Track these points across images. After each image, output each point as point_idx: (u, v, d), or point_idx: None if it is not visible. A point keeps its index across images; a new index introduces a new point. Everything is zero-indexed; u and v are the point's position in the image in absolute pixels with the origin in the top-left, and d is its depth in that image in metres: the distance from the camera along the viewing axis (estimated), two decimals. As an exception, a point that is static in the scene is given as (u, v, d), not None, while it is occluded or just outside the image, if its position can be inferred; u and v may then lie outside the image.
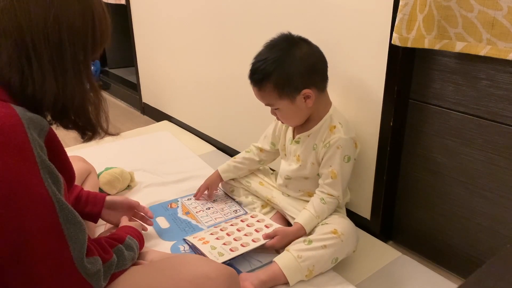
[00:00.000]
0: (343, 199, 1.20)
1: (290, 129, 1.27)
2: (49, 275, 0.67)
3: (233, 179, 1.45)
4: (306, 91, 1.11)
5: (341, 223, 1.13)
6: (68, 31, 0.70)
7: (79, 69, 0.74)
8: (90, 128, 0.80)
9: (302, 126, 1.23)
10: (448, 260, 1.21)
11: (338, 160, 1.14)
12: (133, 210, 1.20)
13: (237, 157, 1.43)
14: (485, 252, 1.12)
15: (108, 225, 1.24)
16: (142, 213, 1.22)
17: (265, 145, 1.39)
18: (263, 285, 1.04)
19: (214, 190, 1.45)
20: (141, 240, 1.00)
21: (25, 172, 0.64)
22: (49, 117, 0.75)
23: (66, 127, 0.78)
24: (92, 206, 1.10)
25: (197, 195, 1.45)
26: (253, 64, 1.14)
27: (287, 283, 1.07)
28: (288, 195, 1.32)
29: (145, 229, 1.22)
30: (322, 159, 1.18)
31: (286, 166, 1.30)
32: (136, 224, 1.12)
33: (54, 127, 0.76)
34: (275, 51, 1.12)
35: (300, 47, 1.12)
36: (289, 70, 1.10)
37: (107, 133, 0.83)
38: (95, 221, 1.14)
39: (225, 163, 1.43)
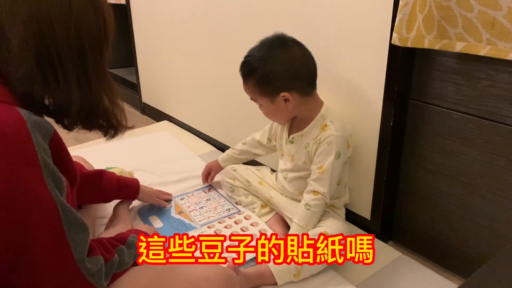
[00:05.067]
0: (329, 197, 1.16)
1: (286, 129, 1.28)
2: (51, 276, 0.68)
3: (233, 179, 1.46)
4: (284, 94, 1.13)
5: (334, 226, 1.13)
6: (87, 38, 0.72)
7: (100, 73, 0.76)
8: (113, 127, 0.82)
9: (296, 127, 1.25)
10: (448, 260, 1.21)
11: (327, 156, 1.14)
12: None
13: (236, 148, 1.51)
14: (485, 252, 1.12)
15: (109, 224, 1.24)
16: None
17: (262, 139, 1.43)
18: (248, 281, 1.04)
19: (216, 173, 1.56)
20: None
21: (29, 176, 0.64)
22: (68, 122, 0.77)
23: (89, 129, 0.80)
24: (133, 190, 1.30)
25: (203, 180, 1.58)
26: (244, 58, 1.18)
27: (275, 284, 1.07)
28: (286, 196, 1.32)
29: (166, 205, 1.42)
30: (314, 156, 1.18)
31: (282, 165, 1.32)
32: (145, 227, 1.12)
33: (75, 130, 0.79)
34: (263, 49, 1.14)
35: (288, 49, 1.13)
36: (270, 70, 1.11)
37: (127, 128, 0.86)
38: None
39: (224, 153, 1.54)
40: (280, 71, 1.11)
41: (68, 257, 0.68)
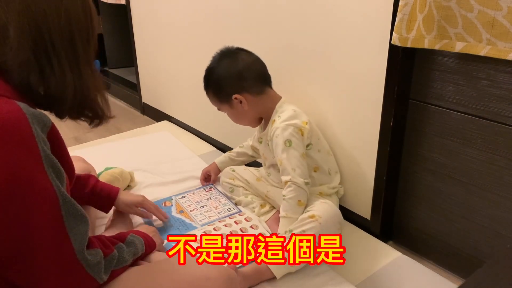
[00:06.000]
0: (300, 180, 1.14)
1: (259, 131, 1.36)
2: (51, 266, 0.68)
3: (232, 179, 1.47)
4: (236, 96, 1.23)
5: (321, 208, 1.13)
6: (76, 25, 0.74)
7: (89, 60, 0.78)
8: (98, 115, 0.83)
9: (264, 127, 1.32)
10: (448, 260, 1.21)
11: (279, 147, 1.19)
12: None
13: (233, 151, 1.57)
14: (485, 252, 1.12)
15: (109, 224, 1.24)
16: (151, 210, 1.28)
17: (255, 143, 1.47)
18: (246, 279, 1.04)
19: (215, 174, 1.57)
20: (150, 243, 1.00)
21: (30, 166, 0.65)
22: (61, 109, 0.78)
23: (76, 118, 0.81)
24: (105, 203, 1.18)
25: (202, 183, 1.58)
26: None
27: (273, 278, 1.07)
28: (280, 187, 1.33)
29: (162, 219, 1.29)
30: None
31: (263, 164, 1.40)
32: (144, 227, 1.12)
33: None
34: (213, 62, 1.27)
35: (231, 57, 1.25)
36: (218, 77, 1.24)
37: (110, 118, 0.87)
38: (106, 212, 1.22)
39: (221, 156, 1.59)
40: (225, 76, 1.23)
41: (68, 247, 0.69)
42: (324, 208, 1.13)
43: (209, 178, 1.57)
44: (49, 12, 0.70)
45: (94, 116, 0.82)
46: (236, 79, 1.23)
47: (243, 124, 1.34)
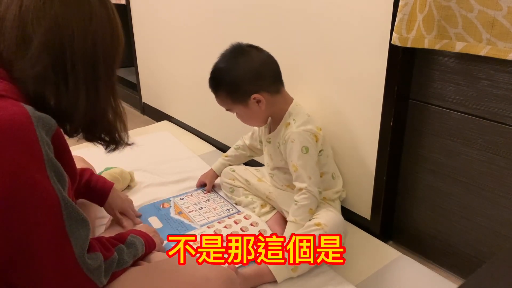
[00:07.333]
0: (315, 189, 1.15)
1: (266, 130, 1.33)
2: (52, 270, 0.68)
3: (232, 179, 1.46)
4: (255, 95, 1.17)
5: (326, 215, 1.13)
6: (102, 50, 0.75)
7: (109, 87, 0.79)
8: (114, 141, 0.84)
9: (273, 127, 1.29)
10: (448, 260, 1.21)
11: (294, 153, 1.17)
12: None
13: (229, 155, 1.53)
14: (485, 252, 1.12)
15: (109, 224, 1.24)
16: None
17: (254, 142, 1.46)
18: (247, 281, 1.04)
19: (212, 183, 1.54)
20: (150, 243, 1.00)
21: (32, 169, 0.65)
22: (70, 128, 0.79)
23: (91, 140, 0.83)
24: (99, 195, 1.19)
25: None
26: (210, 74, 1.22)
27: (274, 282, 1.07)
28: (281, 189, 1.33)
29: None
30: (286, 156, 1.21)
31: (266, 164, 1.37)
32: (145, 227, 1.12)
33: (76, 138, 0.81)
34: (224, 61, 1.21)
35: (246, 54, 1.19)
36: (235, 78, 1.17)
37: (127, 145, 0.87)
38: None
39: (218, 162, 1.54)
40: (243, 75, 1.17)
41: (69, 252, 0.69)
42: (330, 217, 1.13)
43: (204, 186, 1.55)
44: (77, 33, 0.71)
45: (111, 140, 0.83)
46: (255, 78, 1.17)
47: (252, 124, 1.32)
